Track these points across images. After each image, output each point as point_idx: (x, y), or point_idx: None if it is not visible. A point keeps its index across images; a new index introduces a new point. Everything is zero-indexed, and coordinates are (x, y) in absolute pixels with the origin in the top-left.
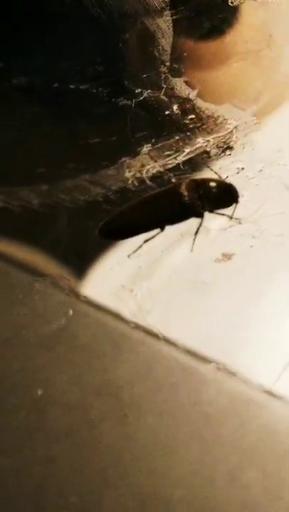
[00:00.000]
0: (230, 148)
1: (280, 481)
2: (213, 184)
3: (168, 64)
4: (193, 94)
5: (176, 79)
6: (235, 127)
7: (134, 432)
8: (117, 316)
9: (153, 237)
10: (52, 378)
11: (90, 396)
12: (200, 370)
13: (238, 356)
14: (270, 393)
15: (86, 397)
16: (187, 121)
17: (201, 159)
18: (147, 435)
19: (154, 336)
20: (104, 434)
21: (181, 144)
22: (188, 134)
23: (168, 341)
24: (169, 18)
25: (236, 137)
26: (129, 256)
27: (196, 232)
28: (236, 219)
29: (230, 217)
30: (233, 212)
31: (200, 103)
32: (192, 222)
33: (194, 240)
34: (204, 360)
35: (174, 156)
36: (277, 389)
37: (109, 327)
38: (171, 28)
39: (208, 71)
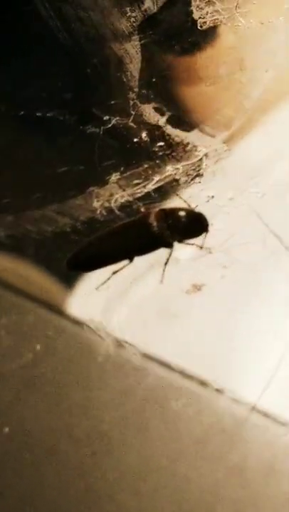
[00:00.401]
0: (200, 175)
1: (265, 497)
2: (182, 213)
3: (136, 90)
4: (162, 121)
5: (145, 105)
6: (205, 154)
7: (119, 452)
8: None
9: (122, 268)
10: (34, 398)
11: (73, 416)
12: (184, 388)
13: (222, 374)
14: (254, 409)
15: (70, 417)
16: (156, 149)
17: (171, 187)
18: (132, 455)
19: (134, 354)
20: (90, 453)
21: (150, 172)
22: (157, 161)
23: (151, 359)
24: (137, 42)
25: (206, 165)
26: (97, 288)
27: (166, 263)
28: (206, 248)
29: (200, 247)
30: (203, 241)
31: (169, 130)
32: (161, 252)
33: (164, 270)
34: (189, 377)
35: (143, 184)
36: (262, 405)
37: (91, 347)
38: (140, 53)
39: (181, 90)
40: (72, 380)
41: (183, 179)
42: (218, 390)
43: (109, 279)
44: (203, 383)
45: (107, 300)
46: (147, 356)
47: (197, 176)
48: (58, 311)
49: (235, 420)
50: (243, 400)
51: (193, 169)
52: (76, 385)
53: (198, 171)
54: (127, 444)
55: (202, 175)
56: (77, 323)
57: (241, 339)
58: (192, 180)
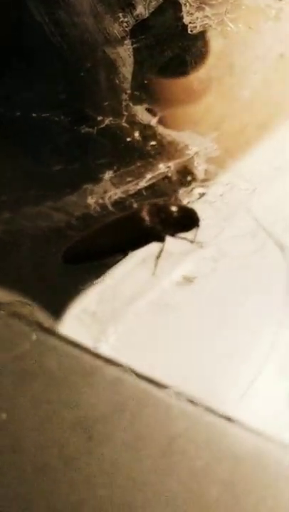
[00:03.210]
0: (191, 173)
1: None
2: (174, 209)
3: (129, 92)
4: (154, 121)
5: (138, 106)
6: (196, 153)
7: (110, 468)
8: (86, 350)
9: (116, 261)
10: (25, 415)
11: (64, 433)
12: (173, 404)
13: (209, 387)
14: (239, 424)
15: (61, 434)
16: (148, 148)
17: (163, 185)
18: (123, 470)
19: (125, 369)
20: (80, 470)
21: (142, 170)
22: (149, 160)
23: (140, 376)
24: (129, 46)
25: (197, 163)
26: (92, 281)
27: (158, 256)
28: (198, 243)
29: (192, 241)
30: (195, 236)
31: (161, 130)
32: (154, 246)
33: (156, 263)
34: (177, 393)
35: (135, 181)
36: (250, 419)
37: (80, 361)
38: (132, 57)
39: (180, 107)
40: (64, 397)
41: (174, 177)
42: (207, 408)
43: (103, 272)
44: (192, 402)
45: (101, 292)
46: (138, 374)
47: (188, 173)
48: (50, 331)
49: (224, 435)
50: (231, 414)
51: (185, 167)
52: (67, 402)
53: (190, 169)
54: (117, 461)
55: (193, 173)
56: (68, 342)
57: (226, 336)
58: (183, 177)
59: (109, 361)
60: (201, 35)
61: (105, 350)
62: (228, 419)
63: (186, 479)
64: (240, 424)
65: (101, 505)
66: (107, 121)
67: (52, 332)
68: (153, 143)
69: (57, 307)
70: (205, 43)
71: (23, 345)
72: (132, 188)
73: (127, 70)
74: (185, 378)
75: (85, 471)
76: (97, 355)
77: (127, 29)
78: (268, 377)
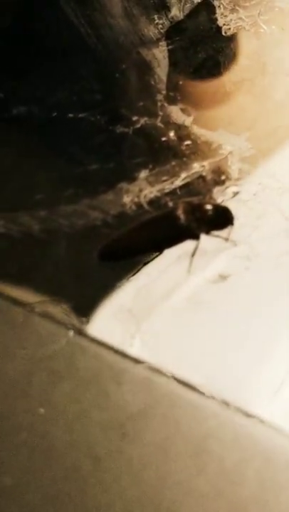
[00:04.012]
0: (225, 172)
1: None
2: (209, 207)
3: (164, 92)
4: (188, 121)
5: (172, 106)
6: (230, 152)
7: (139, 468)
8: (117, 351)
9: (152, 259)
10: (55, 415)
11: (94, 433)
12: (203, 405)
13: (239, 387)
14: (269, 424)
15: (90, 434)
16: (183, 148)
17: (197, 184)
18: (152, 471)
19: (155, 370)
20: (109, 470)
21: (177, 169)
22: (184, 159)
23: (169, 376)
24: (164, 48)
25: (231, 162)
26: (128, 278)
27: (193, 254)
28: (232, 241)
29: (226, 240)
30: (229, 234)
31: (195, 130)
32: (189, 244)
33: (191, 261)
34: (206, 395)
35: (170, 180)
36: (277, 419)
37: (111, 361)
38: (167, 58)
39: (213, 108)
40: (93, 399)
41: (209, 176)
42: (236, 408)
43: (139, 269)
44: (224, 403)
45: (137, 289)
46: (168, 374)
47: (223, 173)
48: (82, 331)
49: (252, 436)
50: (258, 415)
51: (219, 167)
52: (96, 404)
53: (224, 168)
54: (146, 461)
55: (228, 172)
56: (99, 342)
57: (261, 331)
58: (218, 176)
59: (139, 361)
60: (234, 37)
61: (138, 348)
62: (258, 419)
63: (215, 479)
64: (269, 424)
65: (130, 505)
66: (142, 121)
67: (84, 332)
68: (188, 142)
69: (91, 305)
70: (236, 44)
71: (56, 345)
72: (167, 187)
73: (162, 71)
74: (215, 378)
75: (115, 472)
76: (127, 356)
77: (162, 31)
78: None
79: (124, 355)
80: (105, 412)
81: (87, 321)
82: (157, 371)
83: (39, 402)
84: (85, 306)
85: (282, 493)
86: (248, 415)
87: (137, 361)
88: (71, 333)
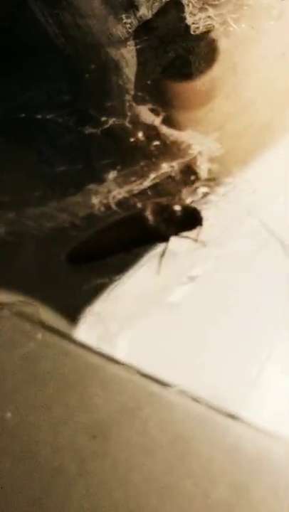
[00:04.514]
0: (194, 173)
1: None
2: (177, 208)
3: (132, 92)
4: (157, 121)
5: (141, 106)
6: (199, 152)
7: (125, 471)
8: (97, 352)
9: (120, 261)
10: (40, 418)
11: (79, 436)
12: (187, 407)
13: (216, 387)
14: (254, 426)
15: (75, 437)
16: (152, 148)
17: (166, 184)
18: (138, 474)
19: (137, 372)
20: (95, 473)
21: (146, 169)
22: (153, 160)
23: (154, 379)
24: (132, 47)
25: (200, 162)
26: (97, 282)
27: (162, 255)
28: (201, 242)
29: (195, 240)
30: (198, 235)
31: (164, 130)
32: (158, 245)
33: (160, 263)
34: (190, 397)
35: (139, 181)
36: (256, 418)
37: (93, 363)
38: (136, 58)
39: (184, 109)
40: (77, 402)
41: (178, 176)
42: (220, 410)
43: (109, 274)
44: (206, 404)
45: (105, 291)
46: (150, 376)
47: (192, 173)
48: (58, 332)
49: (240, 439)
50: (247, 418)
51: (188, 167)
52: (80, 406)
53: (193, 168)
54: (132, 464)
55: (196, 172)
56: (82, 346)
57: (232, 330)
58: (187, 177)
59: (121, 364)
60: (205, 36)
61: (114, 351)
62: (243, 420)
63: (200, 482)
64: (254, 425)
65: (116, 507)
66: (110, 122)
67: (61, 333)
68: (156, 143)
69: (62, 308)
70: (212, 46)
71: (29, 345)
72: (136, 187)
73: (130, 70)
74: (194, 379)
75: (100, 474)
76: (110, 358)
77: (130, 30)
78: (270, 376)
79: (106, 357)
80: (90, 414)
81: (63, 324)
82: (141, 374)
83: (22, 406)
84: (58, 309)
85: (267, 495)
86: (232, 417)
87: (118, 363)
88: (45, 333)
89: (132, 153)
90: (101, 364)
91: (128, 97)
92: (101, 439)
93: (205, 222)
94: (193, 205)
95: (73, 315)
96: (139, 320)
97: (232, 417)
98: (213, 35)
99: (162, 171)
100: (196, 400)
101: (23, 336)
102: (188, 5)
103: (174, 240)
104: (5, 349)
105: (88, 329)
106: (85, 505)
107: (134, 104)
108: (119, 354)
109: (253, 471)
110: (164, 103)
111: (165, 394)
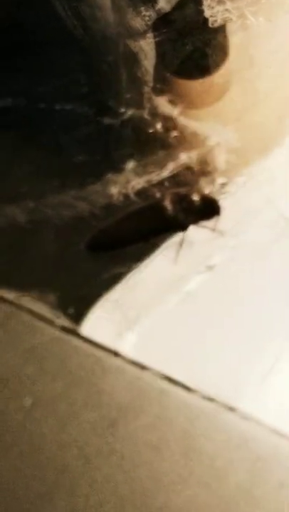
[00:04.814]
0: (212, 164)
1: None
2: (196, 198)
3: (151, 84)
4: (175, 113)
5: (159, 98)
6: (217, 144)
7: (131, 468)
8: (107, 349)
9: (139, 250)
10: (45, 415)
11: (85, 432)
12: (193, 404)
13: (231, 387)
14: (260, 423)
15: (81, 432)
16: (170, 139)
17: (185, 175)
18: (143, 470)
19: (146, 369)
20: (101, 470)
21: (164, 160)
22: (171, 150)
23: (161, 376)
24: (151, 40)
25: (218, 153)
26: (115, 270)
27: (180, 245)
28: (219, 231)
29: (213, 230)
30: (216, 224)
31: (182, 121)
32: (176, 234)
33: (178, 252)
34: (199, 395)
35: (158, 172)
36: (266, 416)
37: (104, 361)
38: (154, 50)
39: (198, 106)
40: (84, 398)
41: (196, 167)
42: (230, 408)
43: (127, 262)
44: (212, 400)
45: (125, 279)
46: (159, 373)
47: (209, 164)
48: (71, 329)
49: (245, 438)
50: (257, 418)
51: (206, 157)
52: (87, 403)
53: (211, 159)
54: (138, 461)
55: (214, 163)
56: (89, 341)
57: (250, 321)
58: (205, 167)
59: (130, 361)
60: (223, 29)
61: (127, 342)
62: (249, 417)
63: (206, 479)
64: (260, 422)
65: (122, 504)
66: (129, 113)
67: (69, 330)
68: (175, 134)
69: (80, 299)
70: (225, 40)
71: (36, 341)
72: (155, 178)
73: (148, 63)
74: (206, 375)
75: (106, 471)
76: (118, 355)
77: (149, 23)
78: (283, 372)
79: (114, 354)
80: (96, 411)
81: (78, 318)
82: (149, 370)
83: (30, 401)
84: (74, 300)
85: (273, 492)
86: (239, 414)
87: (127, 360)
88: (58, 329)
89: (150, 143)
90: (109, 360)
91: (147, 89)
92: (107, 436)
93: (223, 212)
94: (212, 195)
95: (90, 302)
96: (157, 314)
97: (239, 414)
98: (230, 28)
99: (181, 161)
100: (204, 397)
101: (30, 331)
102: None
103: (192, 230)
104: (12, 344)
105: (105, 319)
106: (90, 501)
107: (152, 96)
108: (131, 345)
109: (260, 469)
110: (182, 95)
111: (173, 391)
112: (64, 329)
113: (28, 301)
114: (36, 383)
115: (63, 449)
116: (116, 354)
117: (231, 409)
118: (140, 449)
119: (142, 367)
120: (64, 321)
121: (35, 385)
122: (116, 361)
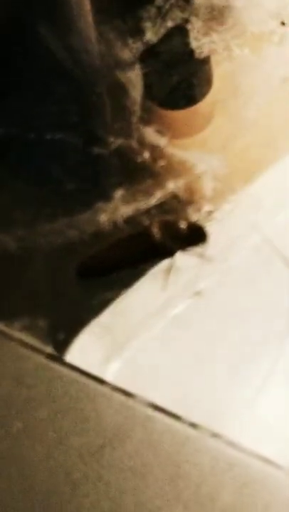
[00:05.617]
0: (199, 191)
1: None
2: (183, 225)
3: (139, 114)
4: (163, 142)
5: (147, 127)
6: (204, 172)
7: (117, 494)
8: (94, 377)
9: (127, 276)
10: (33, 441)
11: (72, 458)
12: (179, 431)
13: (216, 413)
14: (244, 449)
15: (68, 459)
16: (158, 168)
17: (172, 202)
18: (130, 497)
19: (133, 396)
20: (88, 496)
21: (152, 188)
22: (159, 179)
23: (146, 403)
24: (139, 71)
25: (205, 181)
26: (105, 296)
27: (168, 271)
28: (206, 258)
29: (200, 256)
30: (203, 250)
31: (170, 150)
32: (164, 261)
33: (166, 278)
34: (185, 421)
35: (146, 200)
36: (252, 443)
37: (90, 387)
38: (142, 81)
39: (185, 135)
40: (71, 425)
41: (183, 195)
42: (214, 434)
43: (116, 288)
44: (197, 427)
45: (113, 305)
46: (144, 400)
47: (196, 191)
48: (57, 358)
49: (231, 463)
50: (241, 444)
51: (193, 185)
52: (74, 430)
53: (198, 186)
54: (124, 487)
55: (201, 191)
56: (75, 369)
57: (233, 346)
58: (192, 195)
59: (115, 388)
60: (207, 60)
61: (115, 374)
62: (231, 443)
63: (192, 505)
64: (244, 449)
65: None
66: (118, 143)
67: (54, 357)
68: (162, 163)
69: (69, 322)
70: (210, 71)
71: (22, 369)
72: (143, 205)
73: (136, 93)
74: (191, 401)
75: (93, 497)
76: (104, 382)
77: (136, 54)
78: (270, 395)
79: (100, 381)
80: (83, 437)
81: (67, 344)
82: (134, 397)
83: (17, 428)
84: (63, 326)
85: None
86: (224, 440)
87: (112, 387)
88: (44, 357)
89: (138, 172)
90: (94, 387)
91: (135, 119)
92: (94, 463)
93: (210, 239)
94: (199, 222)
95: (79, 328)
96: (144, 340)
97: (225, 440)
98: (216, 59)
99: (168, 189)
100: (189, 423)
101: (18, 359)
102: (192, 30)
103: (179, 256)
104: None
105: (93, 343)
106: None
107: (140, 126)
108: (117, 371)
109: (246, 494)
110: (169, 125)
111: (158, 417)
112: (50, 357)
113: (17, 329)
114: (23, 410)
115: (51, 475)
116: (102, 381)
117: (216, 435)
118: (126, 475)
119: (128, 394)
120: (50, 349)
121: (23, 412)
122: (102, 388)
